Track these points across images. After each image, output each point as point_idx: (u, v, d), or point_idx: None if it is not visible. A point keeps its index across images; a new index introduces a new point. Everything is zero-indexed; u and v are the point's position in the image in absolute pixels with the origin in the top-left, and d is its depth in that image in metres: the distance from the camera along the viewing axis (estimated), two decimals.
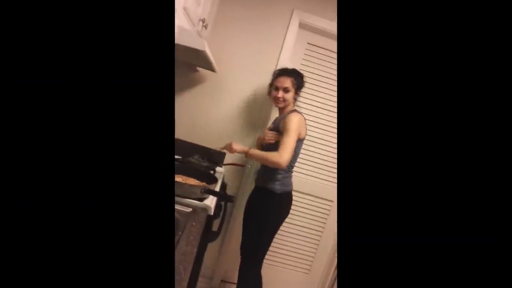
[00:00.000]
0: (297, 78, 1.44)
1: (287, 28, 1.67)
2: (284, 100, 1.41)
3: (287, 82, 1.40)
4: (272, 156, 1.28)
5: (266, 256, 1.51)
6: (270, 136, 1.40)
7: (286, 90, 1.40)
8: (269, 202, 1.41)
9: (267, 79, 1.71)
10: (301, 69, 1.72)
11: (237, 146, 1.42)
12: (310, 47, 1.74)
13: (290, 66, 1.70)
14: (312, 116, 1.77)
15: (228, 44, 1.67)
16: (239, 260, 1.49)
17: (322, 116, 1.79)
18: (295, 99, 1.45)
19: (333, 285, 1.87)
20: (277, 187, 1.39)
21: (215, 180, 1.20)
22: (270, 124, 1.62)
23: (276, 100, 1.43)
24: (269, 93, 1.51)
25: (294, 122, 1.32)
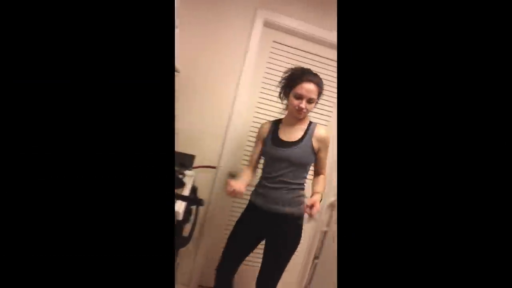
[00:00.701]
0: (321, 84, 1.22)
1: (252, 27, 1.65)
2: (307, 111, 1.20)
3: (314, 91, 1.17)
4: (325, 180, 1.30)
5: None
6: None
7: (310, 101, 1.17)
8: (299, 231, 1.26)
9: (233, 79, 1.68)
10: (267, 67, 1.72)
11: (318, 202, 1.11)
12: (276, 45, 1.74)
13: (256, 65, 1.68)
14: (280, 114, 1.76)
15: (190, 44, 1.63)
16: (215, 264, 1.46)
17: None
18: None
19: (309, 283, 1.88)
20: (302, 211, 1.21)
21: (182, 185, 1.17)
22: (263, 133, 1.40)
23: (299, 111, 1.19)
24: (285, 98, 1.27)
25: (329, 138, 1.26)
